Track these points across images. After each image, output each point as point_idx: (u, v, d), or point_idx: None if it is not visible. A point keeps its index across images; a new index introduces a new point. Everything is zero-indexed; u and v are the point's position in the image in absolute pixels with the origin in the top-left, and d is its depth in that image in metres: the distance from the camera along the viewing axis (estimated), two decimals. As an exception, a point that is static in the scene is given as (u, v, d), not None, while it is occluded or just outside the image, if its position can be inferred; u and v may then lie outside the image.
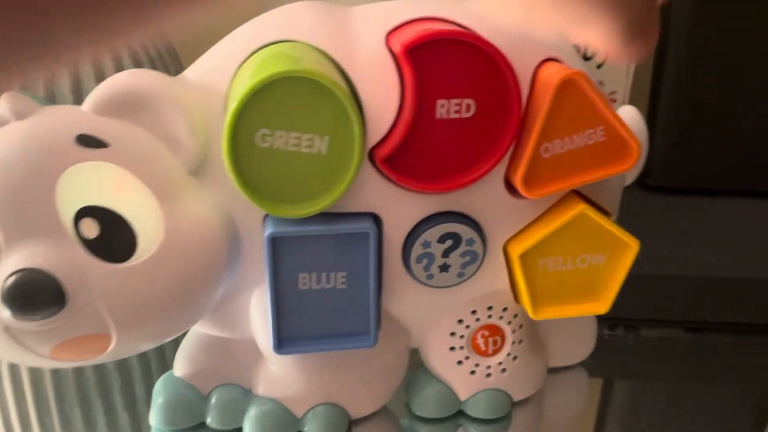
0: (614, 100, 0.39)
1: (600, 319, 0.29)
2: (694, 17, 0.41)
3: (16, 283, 0.19)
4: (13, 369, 0.31)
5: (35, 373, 0.31)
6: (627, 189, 0.27)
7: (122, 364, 0.31)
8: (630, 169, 0.22)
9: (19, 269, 0.19)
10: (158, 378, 0.30)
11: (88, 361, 0.22)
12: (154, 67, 0.31)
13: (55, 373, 0.31)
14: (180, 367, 0.26)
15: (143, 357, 0.32)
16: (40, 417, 0.28)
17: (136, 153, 0.21)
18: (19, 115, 0.20)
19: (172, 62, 0.33)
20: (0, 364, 0.32)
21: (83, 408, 0.29)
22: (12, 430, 0.28)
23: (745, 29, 0.40)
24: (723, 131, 0.42)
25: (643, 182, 0.42)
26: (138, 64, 0.31)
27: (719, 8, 0.41)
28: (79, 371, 0.31)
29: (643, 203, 0.40)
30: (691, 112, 0.42)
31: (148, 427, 0.27)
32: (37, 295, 0.19)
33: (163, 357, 0.32)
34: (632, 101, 0.41)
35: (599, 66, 0.38)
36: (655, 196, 0.42)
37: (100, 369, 0.31)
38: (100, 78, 0.29)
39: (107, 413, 0.28)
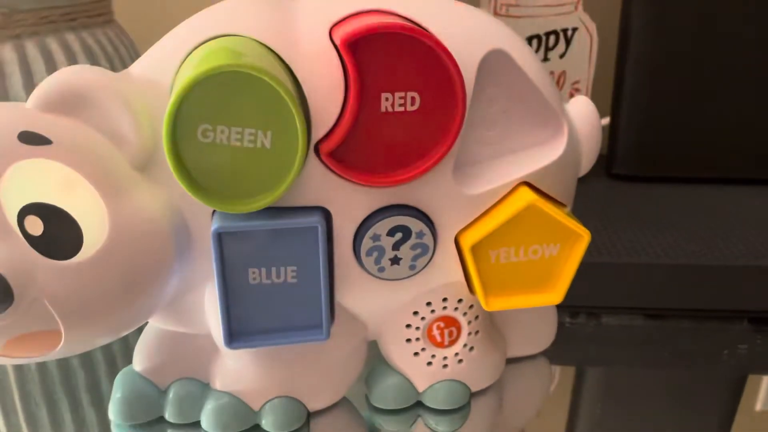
0: (577, 89, 0.39)
1: (561, 307, 0.29)
2: (655, 5, 0.41)
3: None
4: (-24, 367, 0.31)
5: (-1, 372, 0.31)
6: (592, 177, 0.27)
7: (87, 361, 0.31)
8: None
9: None
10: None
11: (41, 357, 0.22)
12: (112, 64, 0.31)
13: (19, 371, 0.31)
14: (138, 361, 0.26)
15: (109, 353, 0.32)
16: (6, 414, 0.28)
17: (80, 150, 0.20)
18: (-40, 113, 0.20)
19: (130, 56, 0.33)
20: (-36, 363, 0.32)
21: (49, 405, 0.29)
22: (-23, 429, 0.28)
23: (707, 16, 0.40)
24: (687, 120, 0.42)
25: (608, 170, 0.43)
26: (94, 60, 0.31)
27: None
28: (43, 368, 0.31)
29: (607, 191, 0.40)
30: (655, 100, 0.42)
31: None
32: None
33: (129, 352, 0.32)
34: (595, 90, 0.42)
35: (562, 56, 0.38)
36: (619, 184, 0.42)
37: (64, 366, 0.31)
38: (52, 72, 0.29)
39: (73, 410, 0.28)
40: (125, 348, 0.32)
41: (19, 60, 0.28)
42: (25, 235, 0.20)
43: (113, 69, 0.32)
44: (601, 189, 0.30)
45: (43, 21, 0.28)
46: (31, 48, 0.28)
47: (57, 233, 0.20)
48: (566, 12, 0.37)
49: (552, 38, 0.37)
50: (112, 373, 0.31)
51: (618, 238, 0.35)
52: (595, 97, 0.33)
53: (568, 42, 0.38)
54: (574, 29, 0.37)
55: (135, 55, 0.34)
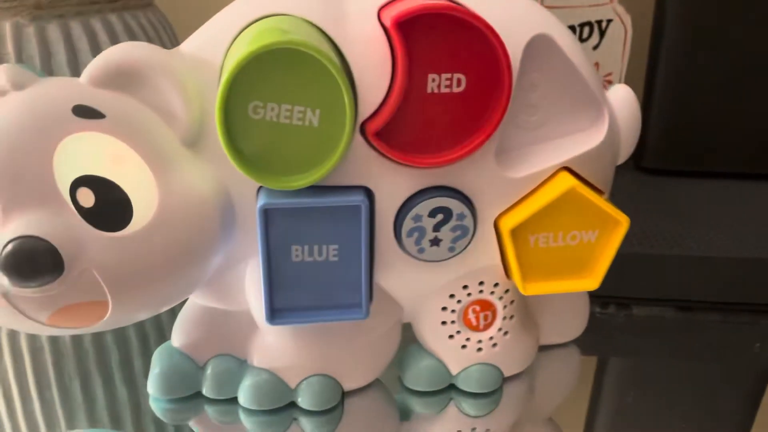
0: (610, 82, 0.39)
1: (592, 296, 0.30)
2: (690, 0, 0.41)
3: (14, 250, 0.19)
4: (13, 342, 0.32)
5: (34, 346, 0.31)
6: (622, 170, 0.28)
7: (121, 338, 0.32)
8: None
9: (17, 237, 0.19)
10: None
11: (86, 329, 0.22)
12: (150, 42, 0.32)
13: (55, 346, 0.31)
14: (177, 337, 0.26)
15: (141, 330, 0.33)
16: (40, 390, 0.29)
17: (132, 124, 0.21)
18: (17, 86, 0.21)
19: (169, 39, 0.33)
20: (0, 336, 0.32)
21: (82, 381, 0.29)
22: (12, 403, 0.28)
23: (742, 11, 0.40)
24: (718, 114, 0.42)
25: (638, 163, 0.43)
26: (134, 39, 0.31)
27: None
28: (78, 344, 0.31)
29: (637, 184, 0.40)
30: (686, 94, 0.42)
31: (146, 400, 0.28)
32: (35, 262, 0.19)
33: (162, 330, 0.33)
34: (627, 83, 0.42)
35: (595, 47, 0.38)
36: (649, 177, 0.42)
37: (99, 342, 0.31)
38: (96, 51, 0.30)
39: (105, 386, 0.29)
40: (157, 326, 0.33)
41: (64, 39, 0.28)
42: (77, 206, 0.20)
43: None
44: (630, 181, 0.31)
45: (87, 1, 0.29)
46: (76, 28, 0.29)
47: (108, 206, 0.20)
48: (602, 3, 0.37)
49: (586, 29, 0.37)
50: (145, 351, 0.32)
51: (649, 230, 0.35)
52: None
53: (602, 33, 0.38)
54: (609, 21, 0.37)
55: (173, 37, 0.34)
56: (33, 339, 0.32)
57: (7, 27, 0.28)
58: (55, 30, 0.28)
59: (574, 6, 0.37)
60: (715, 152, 0.42)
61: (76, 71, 0.29)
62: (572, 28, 0.37)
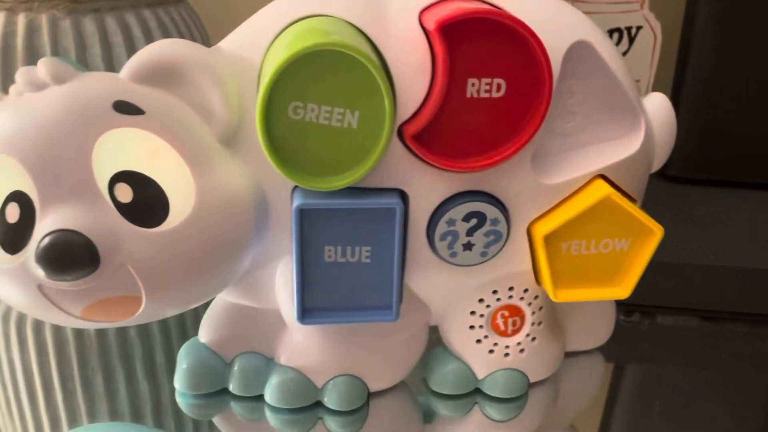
0: (638, 88, 0.39)
1: (617, 304, 0.30)
2: (720, 9, 0.41)
3: (52, 243, 0.20)
4: (38, 334, 0.32)
5: (59, 339, 0.31)
6: (648, 178, 0.28)
7: (144, 332, 0.32)
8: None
9: (55, 230, 0.20)
10: (178, 347, 0.31)
11: (117, 323, 0.22)
12: (182, 38, 0.32)
13: (79, 339, 0.31)
14: (204, 333, 0.26)
15: (164, 325, 0.33)
16: (63, 382, 0.29)
17: (171, 121, 0.21)
18: (58, 80, 0.21)
19: (200, 35, 0.34)
20: (25, 328, 0.32)
21: (105, 374, 0.29)
22: (35, 394, 0.28)
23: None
24: (745, 123, 0.42)
25: (663, 172, 0.42)
26: (167, 36, 0.31)
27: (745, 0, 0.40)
28: (102, 338, 0.32)
29: (663, 192, 0.40)
30: (713, 103, 0.42)
31: (168, 395, 0.28)
32: (72, 255, 0.20)
33: (184, 326, 0.33)
34: (655, 90, 0.41)
35: (624, 54, 0.38)
36: (675, 185, 0.42)
37: (122, 336, 0.32)
38: (129, 45, 0.30)
39: (128, 380, 0.29)
40: (180, 321, 0.33)
41: (99, 33, 0.28)
42: (115, 202, 0.20)
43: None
44: (656, 190, 0.30)
45: (123, -4, 0.29)
46: (111, 22, 0.29)
47: (145, 202, 0.20)
48: (632, 10, 0.37)
49: (615, 35, 0.37)
50: (167, 345, 0.32)
51: (675, 239, 0.34)
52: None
53: (631, 40, 0.38)
54: (639, 28, 0.37)
55: (204, 33, 0.34)
56: (58, 331, 0.32)
57: (44, 19, 0.28)
58: (91, 24, 0.28)
59: (604, 12, 0.37)
60: (742, 162, 0.42)
61: (110, 65, 0.29)
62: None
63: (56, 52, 0.28)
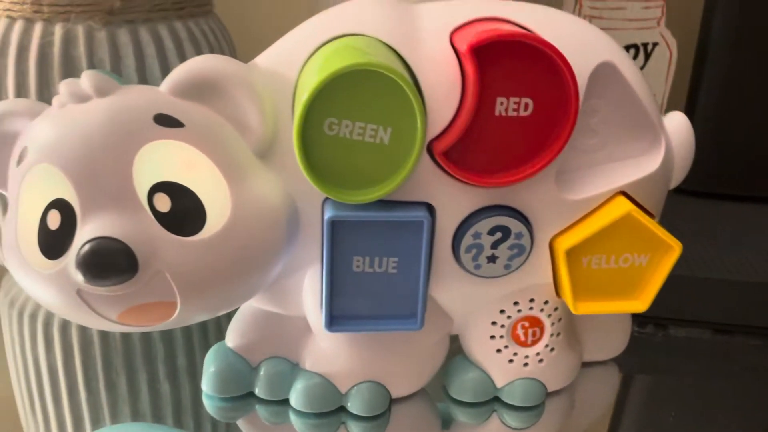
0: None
1: (631, 316, 0.30)
2: (735, 26, 0.41)
3: (92, 250, 0.20)
4: (64, 335, 0.33)
5: (85, 339, 0.32)
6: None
7: (167, 335, 0.33)
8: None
9: (95, 237, 0.20)
10: (199, 350, 0.32)
11: (151, 327, 0.23)
12: (212, 53, 0.33)
13: (104, 340, 0.32)
14: (232, 338, 0.27)
15: (186, 329, 0.34)
16: (87, 382, 0.30)
17: (209, 134, 0.22)
18: (101, 93, 0.21)
19: (228, 46, 0.34)
20: (52, 329, 0.33)
21: (128, 375, 0.30)
22: (59, 393, 0.29)
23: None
24: (758, 138, 0.43)
25: (678, 186, 0.43)
26: (198, 48, 0.32)
27: (760, 18, 0.41)
28: (126, 340, 0.32)
29: (676, 206, 0.41)
30: (726, 119, 0.43)
31: (188, 396, 0.29)
32: (111, 262, 0.20)
33: (205, 330, 0.34)
34: (670, 105, 0.42)
35: (640, 69, 0.39)
36: (689, 199, 0.43)
37: (146, 338, 0.32)
38: (162, 56, 0.31)
39: (150, 381, 0.30)
40: (202, 326, 0.34)
41: (133, 44, 0.29)
42: (153, 211, 0.21)
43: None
44: (669, 203, 0.31)
45: (156, 8, 0.30)
46: (144, 34, 0.30)
47: (183, 211, 0.21)
48: (648, 27, 0.38)
49: (632, 51, 0.38)
50: (189, 348, 0.32)
51: (688, 252, 0.35)
52: (668, 113, 0.33)
53: (647, 56, 0.38)
54: (655, 44, 0.38)
55: (231, 44, 0.35)
56: (84, 332, 0.33)
57: (80, 30, 0.29)
58: (125, 35, 0.29)
59: (621, 28, 0.37)
60: (756, 176, 0.43)
61: (142, 75, 0.30)
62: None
63: (92, 62, 0.29)
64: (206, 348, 0.28)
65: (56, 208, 0.21)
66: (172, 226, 0.21)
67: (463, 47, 0.21)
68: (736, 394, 0.31)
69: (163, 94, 0.22)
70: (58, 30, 0.28)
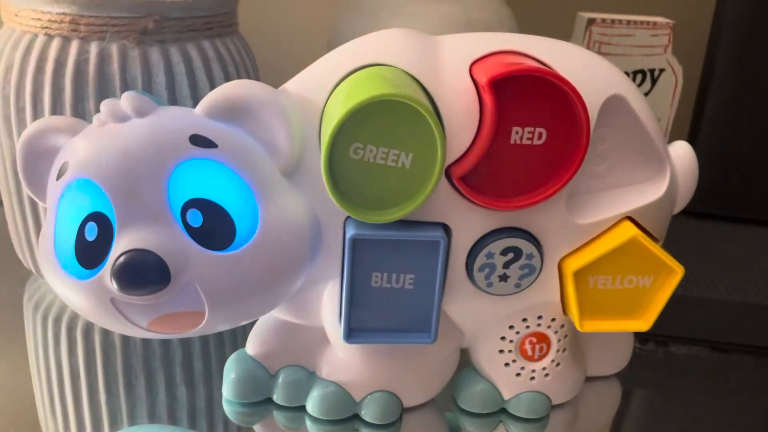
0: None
1: (634, 333, 0.31)
2: (738, 51, 0.43)
3: (127, 261, 0.21)
4: (87, 338, 0.34)
5: (107, 343, 0.33)
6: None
7: (185, 341, 0.34)
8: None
9: (131, 249, 0.22)
10: (216, 356, 0.33)
11: (179, 335, 0.24)
12: (237, 71, 0.34)
13: (125, 344, 0.33)
14: (252, 346, 0.28)
15: (203, 336, 0.35)
16: (107, 384, 0.31)
17: (241, 154, 0.23)
18: (140, 113, 0.23)
19: (251, 64, 0.36)
20: (76, 332, 0.34)
21: (147, 378, 0.31)
22: (79, 395, 0.30)
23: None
24: (759, 163, 0.44)
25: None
26: (224, 67, 0.33)
27: (763, 48, 0.42)
28: (146, 344, 0.33)
29: (680, 227, 0.42)
30: (730, 141, 0.44)
31: (202, 401, 0.30)
32: (145, 273, 0.22)
33: (221, 338, 0.35)
34: (674, 128, 0.43)
35: (646, 95, 0.40)
36: (691, 220, 0.44)
37: (165, 343, 0.34)
38: (191, 75, 0.32)
39: (167, 384, 0.31)
40: (218, 332, 0.35)
41: (164, 62, 0.31)
42: (186, 226, 0.22)
43: (238, 76, 0.34)
44: (672, 224, 0.32)
45: (186, 28, 0.31)
46: (174, 52, 0.31)
47: (214, 226, 0.22)
48: (656, 53, 0.39)
49: (639, 77, 0.39)
50: (205, 353, 0.33)
51: (690, 273, 0.36)
52: (672, 137, 0.34)
53: (653, 82, 0.40)
54: (661, 70, 0.39)
55: (254, 62, 0.36)
56: (106, 337, 0.34)
57: (115, 48, 0.30)
58: (156, 54, 0.30)
59: (629, 55, 0.39)
60: (756, 200, 0.44)
61: (173, 93, 0.31)
62: (626, 74, 0.39)
63: (125, 79, 0.30)
64: (222, 354, 0.29)
65: (94, 221, 0.22)
66: (204, 240, 0.22)
67: (482, 79, 0.22)
68: (733, 410, 0.32)
69: (198, 115, 0.23)
70: (93, 48, 0.30)
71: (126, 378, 0.31)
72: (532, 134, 0.23)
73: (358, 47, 0.24)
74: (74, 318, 0.35)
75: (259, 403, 0.29)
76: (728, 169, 0.44)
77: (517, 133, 0.23)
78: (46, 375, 0.32)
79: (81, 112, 0.30)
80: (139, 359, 0.33)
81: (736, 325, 0.35)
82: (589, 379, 0.31)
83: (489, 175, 0.23)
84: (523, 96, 0.22)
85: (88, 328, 0.34)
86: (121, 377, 0.31)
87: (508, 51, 0.24)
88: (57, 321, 0.35)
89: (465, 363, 0.29)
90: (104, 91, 0.30)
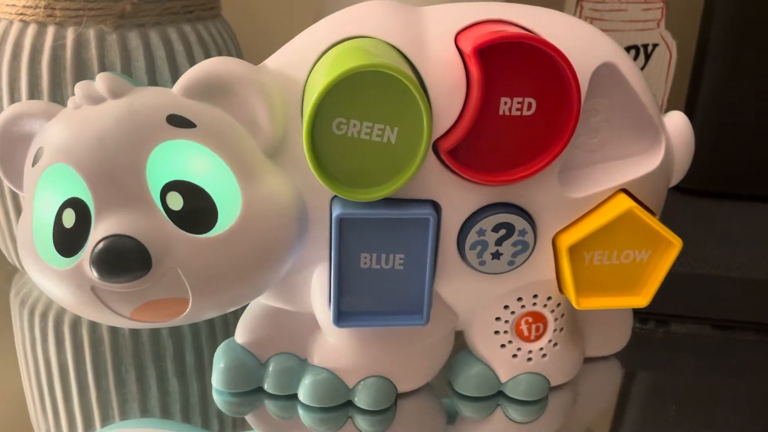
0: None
1: (633, 312, 0.31)
2: (734, 27, 0.42)
3: (107, 247, 0.21)
4: (75, 333, 0.33)
5: (95, 337, 0.33)
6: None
7: (175, 333, 0.33)
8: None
9: (110, 235, 0.21)
10: (207, 347, 0.32)
11: (164, 323, 0.24)
12: (219, 53, 0.33)
13: (114, 337, 0.33)
14: (241, 334, 0.28)
15: (194, 326, 0.34)
16: (97, 379, 0.30)
17: (220, 134, 0.22)
18: (115, 94, 0.22)
19: (234, 48, 0.35)
20: (63, 327, 0.34)
21: (137, 372, 0.31)
22: (69, 391, 0.30)
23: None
24: (757, 138, 0.43)
25: (677, 185, 0.44)
26: (207, 51, 0.32)
27: (758, 17, 0.42)
28: (135, 337, 0.33)
29: (677, 205, 0.41)
30: (726, 119, 0.43)
31: (195, 394, 0.29)
32: (125, 259, 0.21)
33: (213, 328, 0.34)
34: (670, 105, 0.43)
35: (640, 70, 0.40)
36: (689, 197, 0.43)
37: (155, 336, 0.33)
38: (171, 59, 0.31)
39: (159, 378, 0.30)
40: (210, 323, 0.34)
41: (143, 47, 0.30)
42: (166, 209, 0.22)
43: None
44: (670, 202, 0.32)
45: (166, 12, 0.30)
46: (154, 36, 0.30)
47: (195, 209, 0.22)
48: (648, 28, 0.38)
49: (632, 53, 0.39)
50: (197, 345, 0.33)
51: (688, 250, 0.35)
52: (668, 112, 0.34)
53: (647, 57, 0.39)
54: (655, 45, 0.39)
55: (237, 47, 0.35)
56: (94, 330, 0.33)
57: (92, 33, 0.29)
58: (135, 38, 0.30)
59: (621, 30, 0.38)
60: (755, 176, 0.43)
61: (152, 77, 0.30)
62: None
63: (102, 64, 0.29)
64: (214, 345, 0.29)
65: (71, 207, 0.22)
66: (185, 224, 0.22)
67: (467, 48, 0.22)
68: (736, 388, 0.31)
69: (175, 95, 0.23)
70: (70, 33, 0.29)
71: (116, 372, 0.31)
72: (522, 105, 0.22)
73: (339, 20, 0.23)
74: (61, 313, 0.34)
75: (249, 392, 0.28)
76: (726, 144, 0.43)
77: (505, 103, 0.22)
78: (35, 371, 0.31)
79: (59, 99, 0.29)
80: (129, 353, 0.32)
81: (738, 302, 0.34)
82: (588, 360, 0.30)
83: (478, 148, 0.23)
84: (510, 65, 0.22)
85: (76, 322, 0.34)
86: (111, 372, 0.31)
87: (495, 20, 0.23)
88: (44, 316, 0.35)
89: (461, 346, 0.29)
90: (82, 77, 0.29)
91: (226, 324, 0.34)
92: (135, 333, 0.33)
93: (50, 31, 0.29)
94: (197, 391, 0.29)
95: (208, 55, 0.32)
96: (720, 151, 0.43)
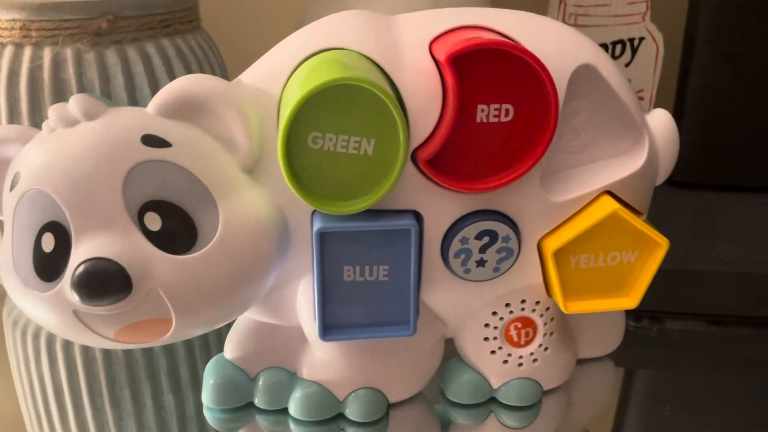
0: (641, 98, 0.40)
1: (626, 310, 0.31)
2: (721, 17, 0.42)
3: (87, 271, 0.21)
4: (67, 352, 0.33)
5: (87, 356, 0.33)
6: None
7: (168, 348, 0.33)
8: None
9: (89, 258, 0.21)
10: (201, 361, 0.32)
11: (149, 344, 0.23)
12: (201, 68, 0.33)
13: (107, 356, 0.33)
14: (230, 350, 0.28)
15: (188, 341, 0.34)
16: (92, 398, 0.30)
17: (197, 153, 0.22)
18: (89, 116, 0.22)
19: (216, 61, 0.35)
20: (55, 347, 0.34)
21: (132, 389, 0.31)
22: (65, 410, 0.29)
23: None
24: (748, 129, 0.43)
25: (669, 178, 0.43)
26: (186, 64, 0.32)
27: (744, 10, 0.41)
28: (129, 354, 0.33)
29: (668, 198, 0.41)
30: (715, 110, 0.43)
31: (192, 408, 0.29)
32: (106, 282, 0.21)
33: (207, 342, 0.34)
34: (658, 99, 0.42)
35: (627, 65, 0.39)
36: (680, 191, 0.43)
37: (148, 352, 0.33)
38: (150, 74, 0.31)
39: (154, 394, 0.30)
40: (203, 337, 0.34)
41: (121, 64, 0.30)
42: (144, 230, 0.21)
43: (203, 72, 0.33)
44: (661, 196, 0.31)
45: (143, 27, 0.30)
46: (132, 53, 0.30)
47: (173, 229, 0.22)
48: (634, 22, 0.38)
49: (618, 47, 0.38)
50: (191, 360, 0.33)
51: (680, 244, 0.35)
52: (657, 107, 0.33)
53: (634, 51, 0.38)
54: (641, 39, 0.38)
55: (219, 59, 0.35)
56: (86, 349, 0.33)
57: (69, 52, 0.29)
58: (113, 55, 0.29)
59: (607, 25, 0.38)
60: (746, 167, 0.43)
61: (132, 94, 0.30)
62: (605, 46, 0.38)
63: (81, 84, 0.29)
64: (208, 359, 0.29)
65: (50, 231, 0.22)
66: (164, 244, 0.21)
67: (441, 57, 0.21)
68: (733, 384, 0.31)
69: (150, 115, 0.22)
70: (47, 53, 0.29)
71: (110, 390, 0.31)
72: (499, 111, 0.22)
73: (312, 32, 0.23)
74: (53, 333, 0.34)
75: (240, 408, 0.28)
76: (716, 136, 0.43)
77: (483, 111, 0.22)
78: (30, 392, 0.31)
79: (38, 121, 0.29)
80: (123, 370, 0.32)
81: (732, 296, 0.34)
82: (581, 362, 0.30)
83: (456, 156, 0.22)
84: (486, 72, 0.21)
85: (68, 342, 0.34)
86: (105, 390, 0.31)
87: (470, 26, 0.23)
88: (36, 337, 0.34)
89: (451, 353, 0.29)
90: (60, 97, 0.29)
91: (220, 337, 0.34)
92: (128, 350, 0.33)
93: (27, 51, 0.29)
94: (193, 404, 0.29)
95: (188, 68, 0.32)
96: (711, 143, 0.43)
